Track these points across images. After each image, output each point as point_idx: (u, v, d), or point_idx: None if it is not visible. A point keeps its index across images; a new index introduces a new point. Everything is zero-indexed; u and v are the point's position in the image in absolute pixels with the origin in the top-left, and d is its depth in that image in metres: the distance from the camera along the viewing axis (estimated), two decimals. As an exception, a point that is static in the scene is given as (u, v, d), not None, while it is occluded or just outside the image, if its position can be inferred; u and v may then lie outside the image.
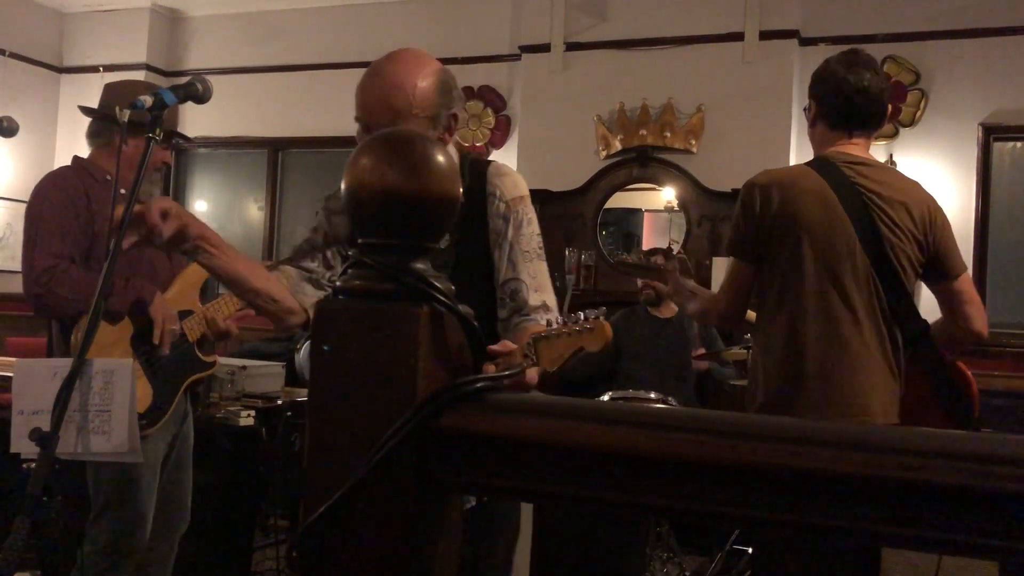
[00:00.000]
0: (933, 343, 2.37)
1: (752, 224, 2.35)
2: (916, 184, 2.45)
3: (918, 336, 2.35)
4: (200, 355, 2.78)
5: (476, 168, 1.90)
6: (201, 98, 1.95)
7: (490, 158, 1.96)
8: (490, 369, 1.60)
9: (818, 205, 2.30)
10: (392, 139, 0.72)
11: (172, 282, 2.74)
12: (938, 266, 2.37)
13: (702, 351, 4.50)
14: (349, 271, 0.71)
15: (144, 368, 2.58)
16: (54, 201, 2.61)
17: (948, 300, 2.42)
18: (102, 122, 2.74)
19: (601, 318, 1.58)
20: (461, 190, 0.73)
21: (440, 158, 0.71)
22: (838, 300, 2.29)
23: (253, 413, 3.71)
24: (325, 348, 0.70)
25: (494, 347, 1.61)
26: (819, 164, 2.38)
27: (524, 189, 1.93)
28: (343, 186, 0.71)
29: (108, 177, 2.66)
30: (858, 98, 2.36)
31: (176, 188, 7.12)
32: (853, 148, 2.39)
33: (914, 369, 2.38)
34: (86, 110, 2.78)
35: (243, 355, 5.05)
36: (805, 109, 2.54)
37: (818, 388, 2.27)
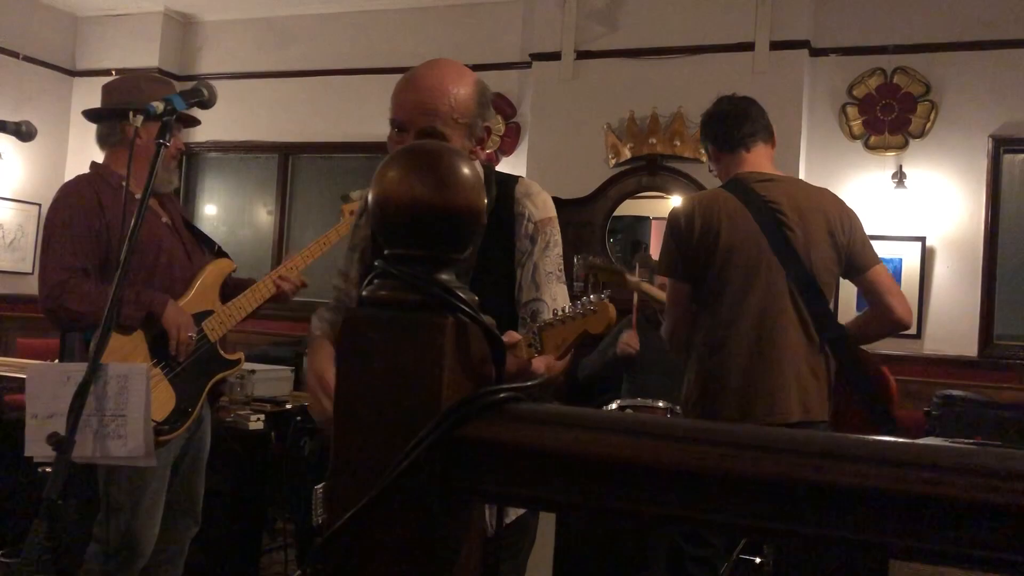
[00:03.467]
0: (852, 346, 2.58)
1: (680, 248, 2.60)
2: (825, 190, 2.70)
3: (836, 340, 2.56)
4: (223, 354, 2.78)
5: (503, 182, 1.89)
6: (207, 104, 1.98)
7: (509, 171, 1.94)
8: None
9: (736, 226, 2.54)
10: (419, 151, 0.73)
11: (191, 283, 2.74)
12: (853, 262, 2.59)
13: None
14: (375, 281, 0.72)
15: (165, 373, 2.59)
16: (67, 214, 2.63)
17: (868, 292, 2.62)
18: (108, 123, 2.75)
19: (605, 299, 1.56)
20: (486, 201, 0.74)
21: (466, 171, 0.72)
22: (759, 311, 2.51)
23: (262, 417, 3.73)
24: (345, 361, 0.71)
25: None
26: (734, 186, 2.61)
27: (552, 210, 1.93)
28: (370, 198, 0.72)
29: (123, 183, 2.67)
30: (731, 109, 2.68)
31: (187, 192, 7.15)
32: (758, 162, 2.64)
33: (839, 373, 2.60)
34: (91, 114, 2.79)
35: (252, 359, 5.06)
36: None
37: (741, 390, 2.52)
